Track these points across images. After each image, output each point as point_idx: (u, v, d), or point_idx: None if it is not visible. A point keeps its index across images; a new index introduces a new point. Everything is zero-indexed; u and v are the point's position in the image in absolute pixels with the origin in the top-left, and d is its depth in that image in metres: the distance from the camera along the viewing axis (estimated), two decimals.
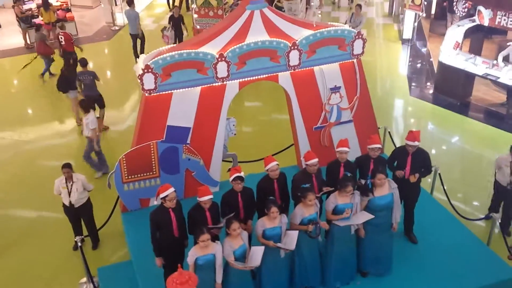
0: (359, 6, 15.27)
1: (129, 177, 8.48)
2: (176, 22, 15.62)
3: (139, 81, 7.96)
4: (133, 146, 8.42)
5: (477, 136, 12.28)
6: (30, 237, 9.39)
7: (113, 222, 8.82)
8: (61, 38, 14.88)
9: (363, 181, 7.50)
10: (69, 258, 8.82)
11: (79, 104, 10.78)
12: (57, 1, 20.08)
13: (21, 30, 18.26)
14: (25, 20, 18.12)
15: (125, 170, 8.39)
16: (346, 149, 7.55)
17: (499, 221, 8.34)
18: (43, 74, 15.71)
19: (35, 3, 19.59)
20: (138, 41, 16.64)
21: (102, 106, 12.72)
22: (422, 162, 7.75)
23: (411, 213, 7.99)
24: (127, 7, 16.67)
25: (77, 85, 12.44)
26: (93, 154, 10.85)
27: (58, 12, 18.66)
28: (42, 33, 15.34)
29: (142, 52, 16.38)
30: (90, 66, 13.79)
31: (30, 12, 18.80)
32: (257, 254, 6.33)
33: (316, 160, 7.21)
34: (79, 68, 12.46)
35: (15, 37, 18.84)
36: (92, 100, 12.39)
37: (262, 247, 6.41)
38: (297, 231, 6.58)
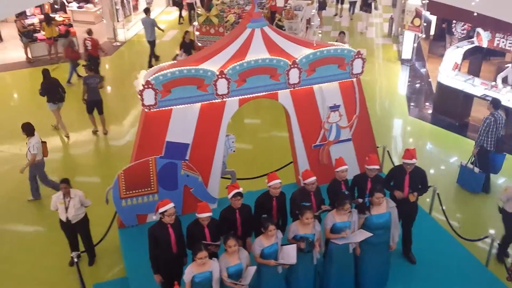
0: (343, 33, 15.23)
1: (127, 192, 8.45)
2: (187, 47, 15.77)
3: (139, 96, 7.99)
4: (132, 161, 8.42)
5: None
6: (26, 252, 9.31)
7: (110, 238, 8.75)
8: (88, 43, 15.49)
9: (360, 200, 7.48)
10: (65, 274, 8.73)
11: (22, 128, 10.07)
12: (59, 16, 20.21)
13: (23, 44, 18.35)
14: (27, 35, 18.22)
15: (123, 185, 8.37)
16: (345, 167, 7.58)
17: (498, 242, 8.30)
18: (69, 81, 16.03)
19: (37, 18, 19.73)
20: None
21: (101, 111, 13.02)
22: (419, 180, 7.76)
23: (409, 232, 7.97)
24: (144, 15, 17.79)
25: (83, 90, 12.69)
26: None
27: (60, 27, 18.76)
28: (69, 39, 15.93)
29: (153, 56, 17.59)
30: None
31: (32, 26, 18.93)
32: (248, 273, 6.30)
33: (313, 178, 7.21)
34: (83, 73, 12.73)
35: (16, 51, 18.93)
36: (93, 105, 12.75)
37: (254, 267, 6.39)
38: (295, 245, 6.56)
